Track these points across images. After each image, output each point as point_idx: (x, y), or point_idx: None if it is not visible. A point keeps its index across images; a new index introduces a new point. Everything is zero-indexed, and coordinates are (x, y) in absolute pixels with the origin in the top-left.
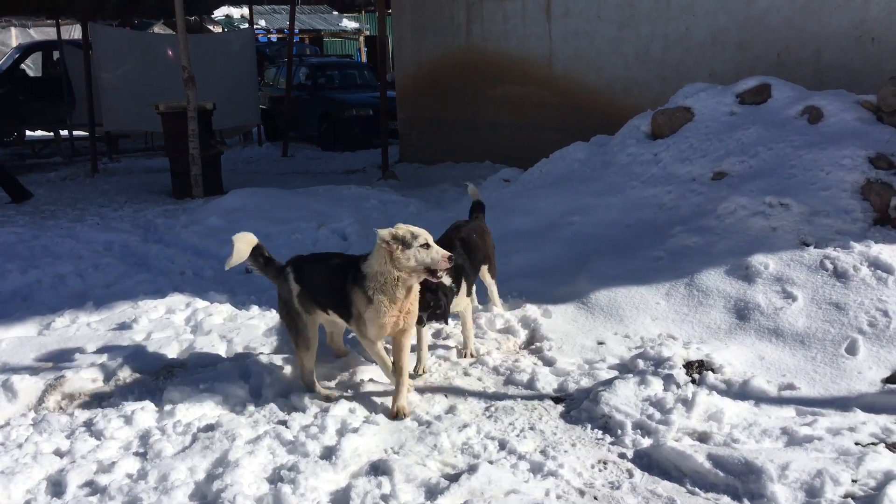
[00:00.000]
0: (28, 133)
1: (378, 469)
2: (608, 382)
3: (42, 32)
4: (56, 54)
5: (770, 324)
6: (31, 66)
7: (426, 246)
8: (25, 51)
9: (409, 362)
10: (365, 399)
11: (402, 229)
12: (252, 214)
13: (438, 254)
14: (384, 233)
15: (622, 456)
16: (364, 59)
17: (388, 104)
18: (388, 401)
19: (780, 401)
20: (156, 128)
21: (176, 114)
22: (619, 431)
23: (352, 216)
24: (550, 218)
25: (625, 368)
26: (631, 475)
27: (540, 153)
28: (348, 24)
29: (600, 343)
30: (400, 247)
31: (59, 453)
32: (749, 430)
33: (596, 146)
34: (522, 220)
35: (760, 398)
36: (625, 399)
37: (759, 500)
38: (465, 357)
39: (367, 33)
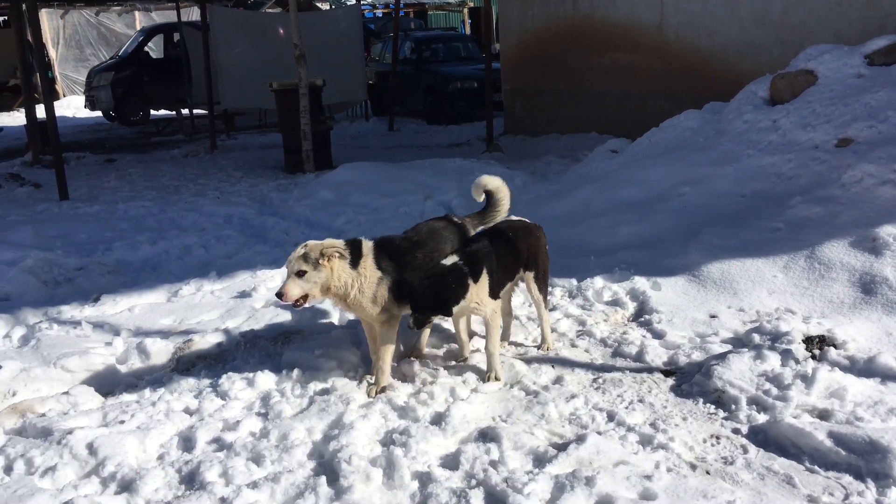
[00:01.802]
0: (153, 112)
1: (486, 436)
2: (721, 356)
3: (163, 15)
4: (177, 36)
5: None
6: (154, 49)
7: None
8: (148, 33)
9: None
10: (473, 369)
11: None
12: (361, 188)
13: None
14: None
15: (736, 431)
16: (468, 31)
17: (493, 76)
18: (502, 367)
19: None
20: (269, 105)
21: (288, 91)
22: (734, 406)
23: (456, 189)
24: (660, 189)
25: (739, 343)
26: (746, 451)
27: (649, 123)
28: None
29: (713, 316)
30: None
31: (188, 411)
32: (874, 408)
33: (709, 114)
34: (630, 190)
35: (887, 376)
36: (739, 373)
37: (884, 479)
38: (486, 380)
39: (472, 5)
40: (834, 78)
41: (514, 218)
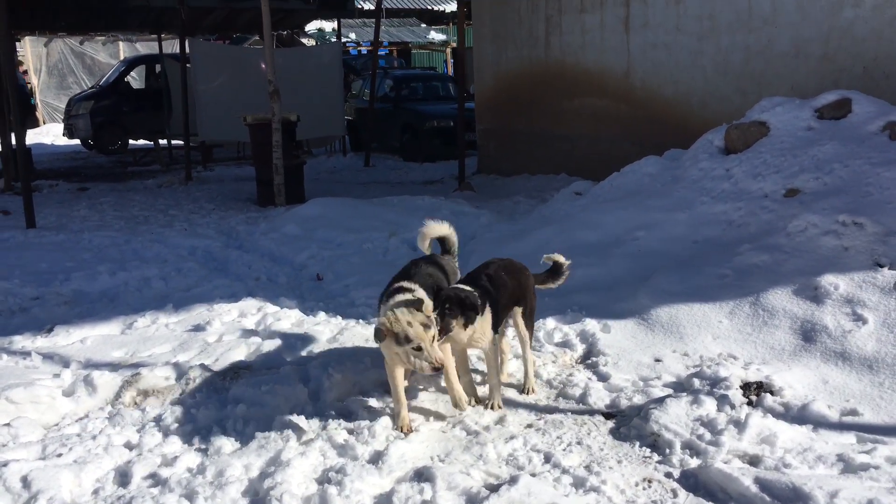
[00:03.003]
0: (131, 142)
1: (422, 475)
2: (660, 400)
3: (147, 46)
4: (158, 67)
5: (837, 347)
6: (136, 79)
7: (418, 349)
8: (130, 64)
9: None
10: (417, 408)
11: (399, 324)
12: (328, 223)
13: (428, 361)
14: (382, 320)
15: (668, 475)
16: (451, 70)
17: (468, 116)
18: (441, 408)
19: (840, 426)
20: (246, 138)
21: (262, 125)
22: (668, 450)
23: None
24: (616, 232)
25: (680, 387)
26: (675, 495)
27: (615, 166)
28: (436, 36)
29: (657, 360)
30: (394, 338)
31: (129, 446)
32: (803, 455)
33: (668, 160)
34: (588, 233)
35: (819, 423)
36: (675, 418)
37: None
38: (490, 408)
39: (454, 45)
40: (785, 130)
41: (503, 258)
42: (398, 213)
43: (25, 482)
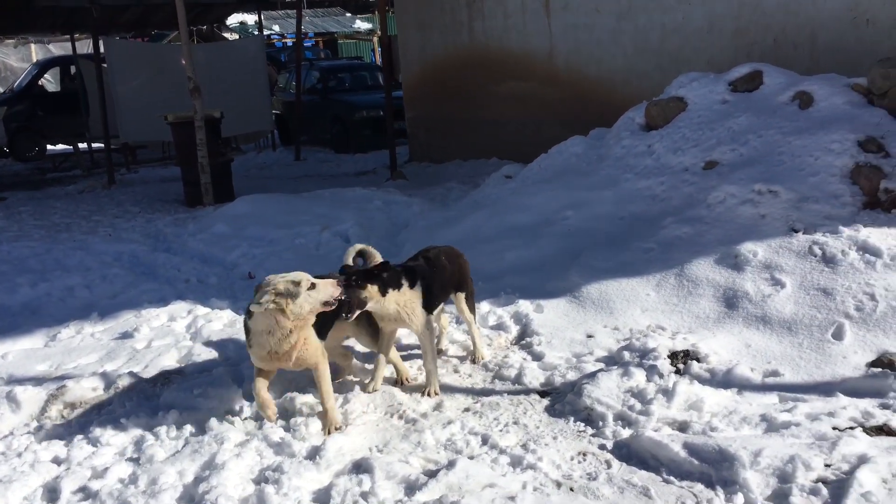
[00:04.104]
0: (49, 147)
1: (360, 467)
2: (592, 375)
3: (61, 48)
4: (73, 69)
5: (758, 311)
6: (51, 81)
7: (312, 286)
8: (43, 67)
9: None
10: (356, 399)
11: (281, 283)
12: (258, 220)
13: (327, 285)
14: (267, 298)
15: (602, 447)
16: (378, 59)
17: (397, 104)
18: (378, 399)
19: (763, 388)
20: (170, 138)
21: (185, 123)
22: (601, 423)
23: (354, 218)
24: (545, 213)
25: (611, 361)
26: (609, 466)
27: (544, 148)
28: (361, 25)
29: (590, 336)
30: (288, 300)
31: (56, 461)
32: (729, 417)
33: (593, 139)
34: (519, 216)
35: (743, 386)
36: (607, 391)
37: (731, 486)
38: (427, 395)
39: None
40: (701, 104)
41: (442, 245)
42: (330, 206)
43: None
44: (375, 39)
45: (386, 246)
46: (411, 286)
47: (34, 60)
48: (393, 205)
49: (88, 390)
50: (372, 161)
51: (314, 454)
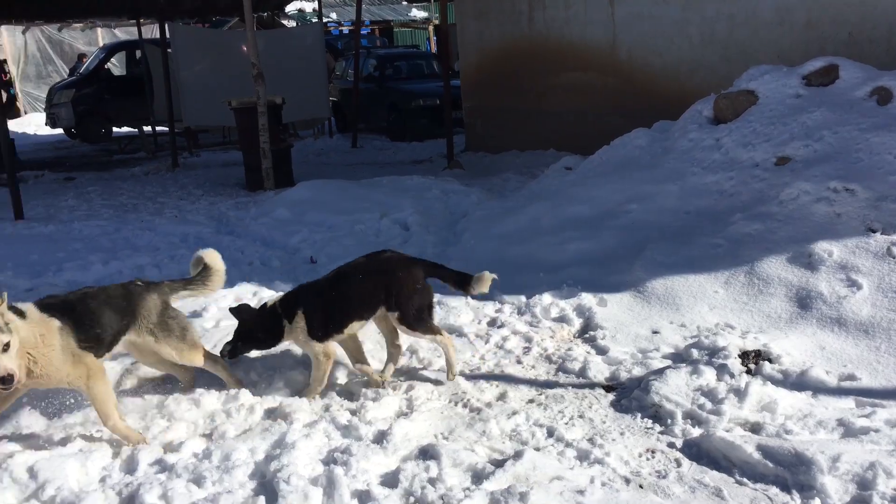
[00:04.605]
0: (115, 130)
1: (427, 453)
2: (659, 372)
3: (126, 32)
4: (139, 53)
5: (833, 313)
6: (117, 65)
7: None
8: (110, 51)
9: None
10: (421, 386)
11: None
12: (318, 206)
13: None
14: None
15: (671, 445)
16: (434, 48)
17: (454, 93)
18: (442, 386)
19: (838, 391)
20: (232, 122)
21: (247, 109)
22: (669, 421)
23: (413, 206)
24: (608, 206)
25: (679, 358)
26: (679, 464)
27: (604, 140)
28: (417, 13)
29: (655, 332)
30: None
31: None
32: (804, 420)
33: (657, 132)
34: (579, 208)
35: (818, 389)
36: (676, 388)
37: (808, 491)
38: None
39: (436, 22)
40: (773, 98)
41: (388, 253)
42: (388, 193)
43: (32, 472)
44: (431, 28)
45: (444, 235)
46: (290, 321)
47: (101, 44)
48: (451, 194)
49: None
50: (428, 150)
51: (381, 438)
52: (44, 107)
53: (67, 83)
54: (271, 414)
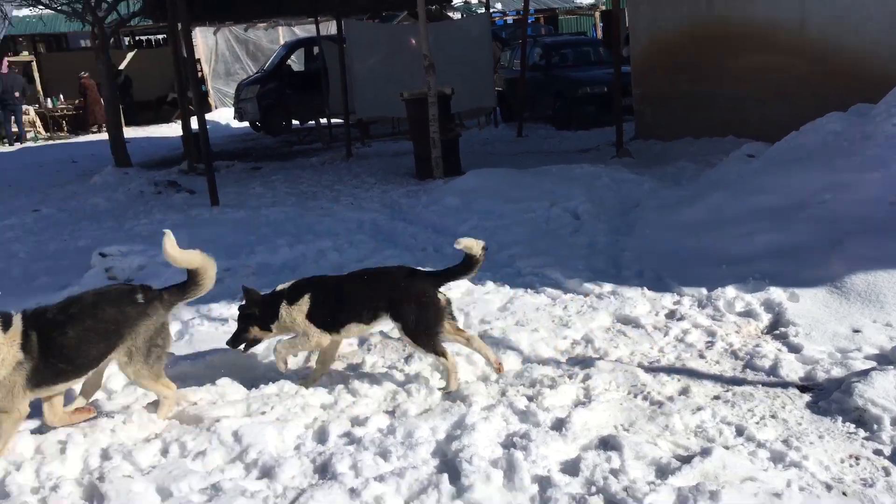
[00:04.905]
0: (294, 122)
1: (607, 444)
2: (864, 374)
3: (305, 30)
4: (316, 49)
5: None
6: (296, 62)
7: None
8: (290, 48)
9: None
10: (598, 376)
11: None
12: (487, 194)
13: None
14: None
15: (878, 453)
16: (600, 34)
17: (623, 80)
18: (621, 377)
19: None
20: (401, 113)
21: (418, 100)
22: (875, 426)
23: (583, 195)
24: (799, 195)
25: (885, 359)
26: (888, 473)
27: (789, 126)
28: (583, 0)
29: (856, 331)
30: None
31: (323, 406)
32: None
33: (855, 116)
34: (767, 197)
35: None
36: (883, 392)
37: None
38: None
39: (603, 8)
40: None
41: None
42: (556, 182)
43: (236, 436)
44: (597, 14)
45: (616, 224)
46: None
47: (282, 42)
48: (622, 182)
49: (345, 345)
50: (594, 138)
51: (559, 426)
52: (232, 102)
53: (253, 79)
54: (449, 396)
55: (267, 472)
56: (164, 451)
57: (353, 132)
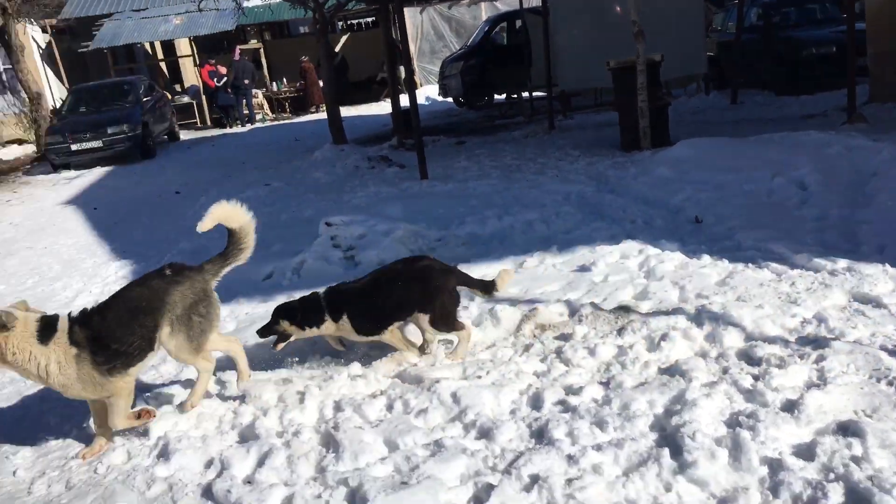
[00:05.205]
0: (496, 96)
1: (847, 429)
2: None
3: (506, 4)
4: (518, 23)
5: None
6: (498, 36)
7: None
8: (493, 23)
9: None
10: (833, 357)
11: None
12: (701, 164)
13: None
14: None
15: None
16: None
17: (857, 38)
18: (860, 360)
19: None
20: (604, 84)
21: (625, 69)
22: None
23: (811, 164)
24: None
25: None
26: None
27: None
28: None
29: None
30: None
31: (536, 374)
32: None
33: None
34: None
35: None
36: None
37: None
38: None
39: None
40: None
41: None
42: (780, 150)
43: (455, 398)
44: None
45: (851, 196)
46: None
47: (484, 18)
48: (856, 150)
49: (556, 315)
50: (820, 103)
51: (791, 407)
52: (437, 79)
53: (457, 56)
54: (667, 369)
55: (485, 434)
56: (390, 407)
57: (554, 105)
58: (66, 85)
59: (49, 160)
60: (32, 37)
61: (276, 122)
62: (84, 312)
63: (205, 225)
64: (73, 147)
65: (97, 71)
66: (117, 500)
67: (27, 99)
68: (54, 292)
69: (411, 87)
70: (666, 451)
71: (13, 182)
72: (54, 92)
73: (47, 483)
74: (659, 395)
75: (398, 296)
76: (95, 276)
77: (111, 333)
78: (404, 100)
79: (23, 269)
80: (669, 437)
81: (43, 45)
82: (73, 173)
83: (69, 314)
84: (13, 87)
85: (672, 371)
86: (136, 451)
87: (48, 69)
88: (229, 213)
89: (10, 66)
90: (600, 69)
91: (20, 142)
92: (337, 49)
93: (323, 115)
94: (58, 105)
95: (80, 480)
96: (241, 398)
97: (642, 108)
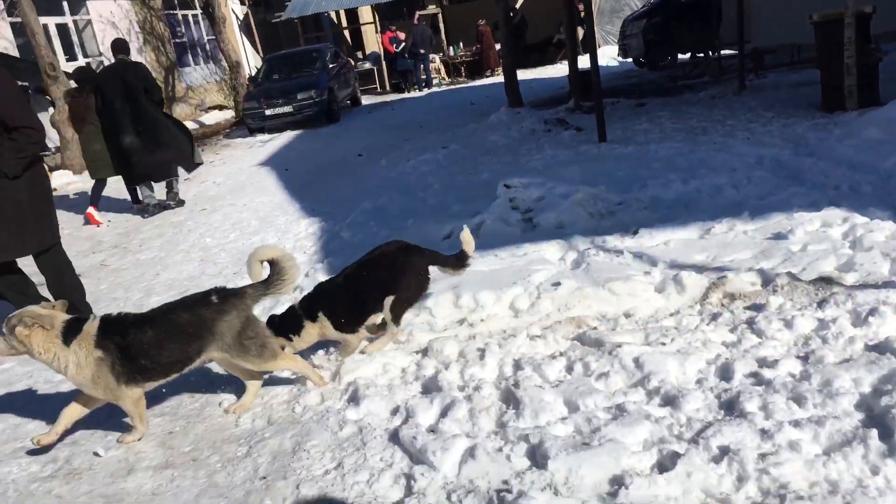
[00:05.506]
0: (679, 56)
1: None
2: None
3: None
4: None
5: None
6: None
7: None
8: None
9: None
10: None
11: None
12: None
13: None
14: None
15: None
16: None
17: None
18: None
19: None
20: (804, 39)
21: (830, 22)
22: None
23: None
24: None
25: None
26: None
27: None
28: None
29: None
30: None
31: (724, 344)
32: None
33: None
34: None
35: None
36: None
37: None
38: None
39: None
40: None
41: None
42: None
43: (637, 363)
44: None
45: None
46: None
47: None
48: None
49: (747, 284)
50: None
51: None
52: (616, 40)
53: (638, 14)
54: (874, 348)
55: (670, 402)
56: (569, 369)
57: (745, 63)
58: (261, 53)
59: (246, 124)
60: (232, 9)
61: (452, 87)
62: (122, 320)
63: (254, 274)
64: (268, 112)
65: (288, 40)
66: (313, 438)
67: (227, 67)
68: (253, 246)
69: (592, 47)
70: (874, 433)
71: (215, 145)
72: (250, 60)
73: (252, 418)
74: (866, 374)
75: (371, 283)
76: (287, 231)
77: (144, 350)
78: (582, 61)
79: (226, 224)
80: (878, 418)
81: (241, 17)
82: (266, 136)
83: (103, 316)
84: (215, 57)
85: (881, 348)
86: (329, 394)
87: (245, 39)
88: (268, 253)
89: (213, 37)
90: (800, 23)
91: (221, 108)
92: (517, 6)
93: (498, 79)
94: (253, 73)
95: (280, 417)
96: (424, 351)
97: (849, 64)
